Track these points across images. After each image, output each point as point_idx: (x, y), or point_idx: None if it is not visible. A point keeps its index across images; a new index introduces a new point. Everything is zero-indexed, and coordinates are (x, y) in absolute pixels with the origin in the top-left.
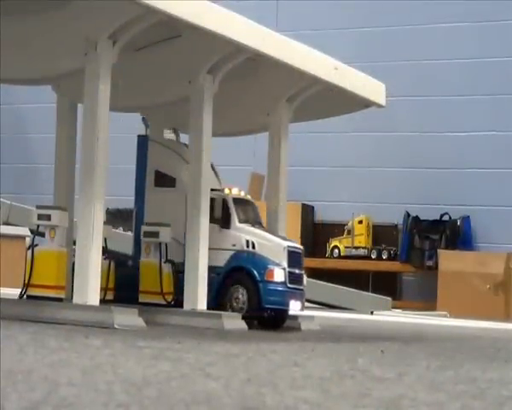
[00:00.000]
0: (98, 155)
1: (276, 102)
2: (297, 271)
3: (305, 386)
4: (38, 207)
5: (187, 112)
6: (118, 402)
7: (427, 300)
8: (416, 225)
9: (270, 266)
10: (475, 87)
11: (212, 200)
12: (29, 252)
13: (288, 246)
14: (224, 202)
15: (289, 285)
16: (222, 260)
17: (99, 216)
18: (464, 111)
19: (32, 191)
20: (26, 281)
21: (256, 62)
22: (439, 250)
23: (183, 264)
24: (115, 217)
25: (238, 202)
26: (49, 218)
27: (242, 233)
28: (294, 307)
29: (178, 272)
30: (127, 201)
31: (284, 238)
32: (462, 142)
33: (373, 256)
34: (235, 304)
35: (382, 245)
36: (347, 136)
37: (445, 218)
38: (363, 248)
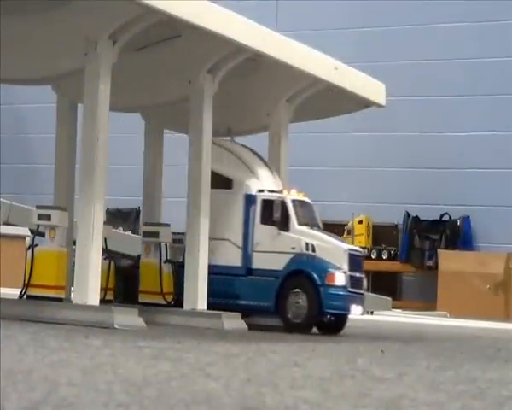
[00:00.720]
0: (98, 155)
1: (276, 102)
2: (357, 274)
3: (305, 386)
4: (38, 207)
5: (187, 112)
6: (118, 402)
7: (427, 300)
8: (416, 225)
9: (331, 270)
10: (475, 87)
11: (271, 202)
12: (29, 252)
13: (349, 249)
14: (283, 204)
15: (350, 289)
16: (281, 263)
17: (99, 216)
18: (464, 111)
19: (32, 191)
20: (26, 281)
21: (256, 62)
22: (439, 250)
23: (239, 268)
24: (115, 217)
25: (297, 203)
26: (49, 218)
27: (302, 236)
28: (355, 311)
29: (231, 275)
30: (127, 201)
31: (345, 241)
32: (462, 142)
33: (373, 256)
34: (294, 309)
35: (382, 245)
36: (347, 136)
37: (445, 218)
38: (363, 248)
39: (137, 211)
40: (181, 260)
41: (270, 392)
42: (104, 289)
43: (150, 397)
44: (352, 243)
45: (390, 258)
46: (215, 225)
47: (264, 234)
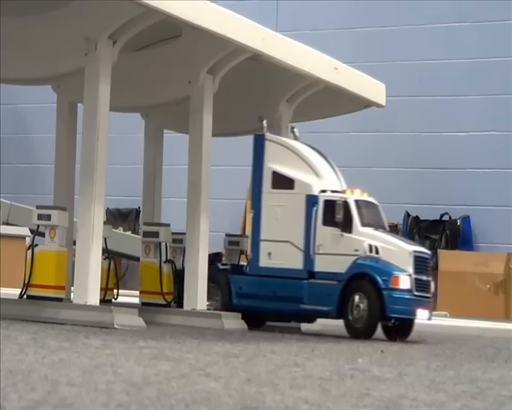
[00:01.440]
0: (98, 155)
1: (276, 102)
2: (424, 277)
3: (305, 386)
4: (38, 207)
5: (187, 112)
6: (118, 402)
7: None
8: (416, 225)
9: (395, 273)
10: (475, 87)
11: (333, 203)
12: (29, 252)
13: (415, 251)
14: (345, 205)
15: (416, 293)
16: (343, 266)
17: (99, 216)
18: (464, 111)
19: (32, 191)
20: (26, 281)
21: (256, 62)
22: (439, 250)
23: (301, 271)
24: (115, 217)
25: (361, 204)
26: (49, 218)
27: (365, 237)
28: (421, 315)
29: (292, 278)
30: (127, 201)
31: (410, 243)
32: (462, 142)
33: None
34: (356, 313)
35: None
36: (347, 136)
37: (445, 218)
38: None
39: (137, 211)
40: (181, 260)
41: (270, 392)
42: (104, 289)
43: (150, 397)
44: None
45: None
46: (276, 226)
47: (326, 236)
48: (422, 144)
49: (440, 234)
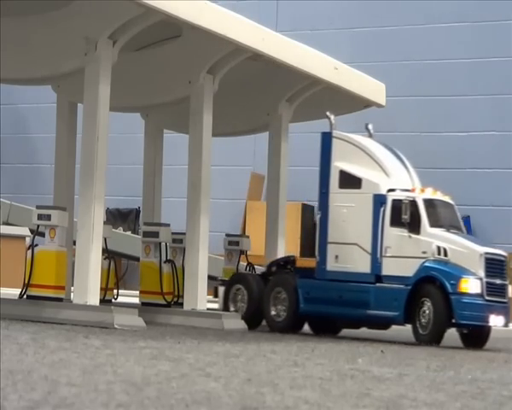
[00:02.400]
0: (98, 155)
1: (276, 102)
2: (498, 281)
3: (305, 386)
4: (38, 207)
5: (187, 112)
6: (118, 402)
7: None
8: None
9: (464, 276)
10: (475, 87)
11: (399, 202)
12: (29, 252)
13: (486, 253)
14: (413, 204)
15: (487, 298)
16: (411, 269)
17: (99, 216)
18: (464, 111)
19: (32, 191)
20: (26, 281)
21: (256, 62)
22: None
23: (368, 274)
24: (115, 217)
25: (431, 203)
26: (49, 218)
27: (434, 239)
28: (496, 322)
29: (359, 282)
30: (127, 201)
31: (483, 244)
32: (462, 142)
33: None
34: (422, 320)
35: None
36: None
37: None
38: None
39: (137, 211)
40: (181, 260)
41: (270, 392)
42: (104, 289)
43: (150, 397)
44: None
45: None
46: (343, 228)
47: (393, 238)
48: (422, 144)
49: None
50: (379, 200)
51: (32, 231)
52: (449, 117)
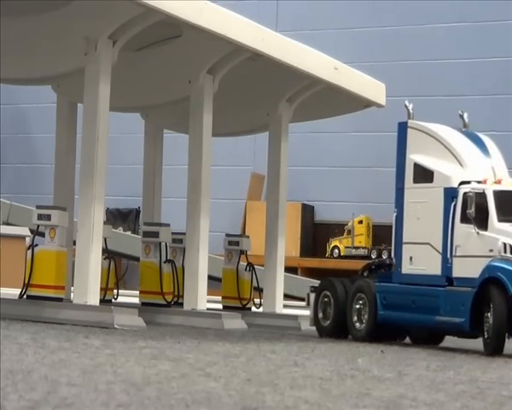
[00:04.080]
0: (98, 155)
1: (276, 102)
2: None
3: (305, 386)
4: (38, 207)
5: (187, 112)
6: (118, 402)
7: None
8: None
9: None
10: (475, 87)
11: (465, 195)
12: (29, 252)
13: None
14: (481, 197)
15: None
16: (477, 270)
17: (99, 216)
18: (464, 111)
19: (32, 191)
20: (26, 281)
21: (256, 62)
22: None
23: (438, 277)
24: (115, 217)
25: (504, 196)
26: (49, 218)
27: (501, 235)
28: None
29: (430, 285)
30: (127, 201)
31: None
32: None
33: (373, 256)
34: (486, 324)
35: (382, 245)
36: (347, 136)
37: None
38: (363, 248)
39: (137, 211)
40: (181, 260)
41: (270, 392)
42: (104, 289)
43: (150, 397)
44: (352, 243)
45: (390, 258)
46: (417, 227)
47: (463, 235)
48: None
49: None
50: (449, 194)
51: (32, 231)
52: (449, 117)
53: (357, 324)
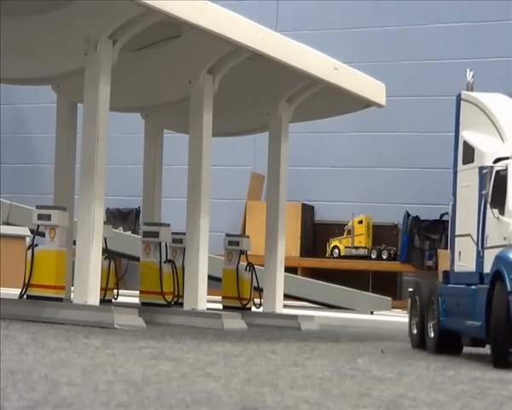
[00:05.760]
0: (98, 155)
1: (276, 102)
2: None
3: (305, 386)
4: (38, 207)
5: (187, 112)
6: (118, 402)
7: None
8: (416, 225)
9: None
10: (475, 87)
11: (481, 172)
12: (29, 252)
13: None
14: (498, 175)
15: None
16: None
17: (99, 216)
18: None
19: (32, 191)
20: (26, 281)
21: (256, 62)
22: (438, 250)
23: (472, 274)
24: (115, 217)
25: None
26: (49, 218)
27: None
28: None
29: (466, 284)
30: (127, 201)
31: None
32: None
33: (373, 256)
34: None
35: (382, 245)
36: (347, 136)
37: (445, 218)
38: (363, 248)
39: (137, 211)
40: (181, 260)
41: (270, 392)
42: (104, 290)
43: (150, 397)
44: (352, 243)
45: (390, 258)
46: (464, 215)
47: (491, 222)
48: (422, 144)
49: (440, 234)
50: (483, 174)
51: (32, 231)
52: (449, 117)
53: (431, 332)
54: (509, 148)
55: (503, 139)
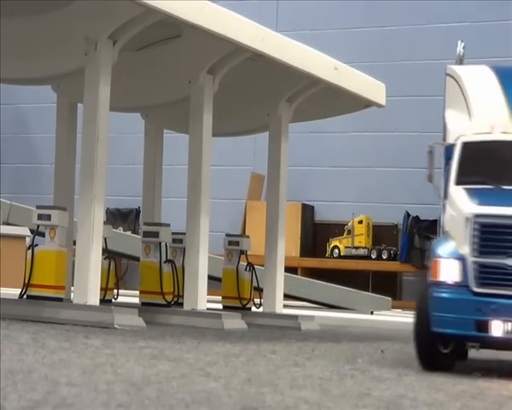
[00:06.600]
0: (98, 155)
1: (276, 102)
2: (505, 261)
3: (305, 386)
4: (38, 207)
5: (187, 112)
6: (118, 402)
7: None
8: (416, 225)
9: (437, 256)
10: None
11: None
12: (29, 252)
13: (479, 215)
14: (449, 153)
15: (478, 290)
16: None
17: (99, 216)
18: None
19: (32, 191)
20: (26, 281)
21: (256, 62)
22: None
23: None
24: (115, 217)
25: (479, 149)
26: (49, 218)
27: (448, 205)
28: (500, 331)
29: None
30: (127, 201)
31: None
32: None
33: (373, 256)
34: None
35: (382, 245)
36: (347, 136)
37: None
38: (363, 248)
39: (137, 211)
40: (181, 260)
41: (270, 392)
42: (104, 290)
43: (150, 397)
44: (352, 243)
45: (390, 258)
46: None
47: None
48: (422, 144)
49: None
50: (445, 155)
51: (32, 231)
52: None
53: None
54: (475, 125)
55: (470, 115)
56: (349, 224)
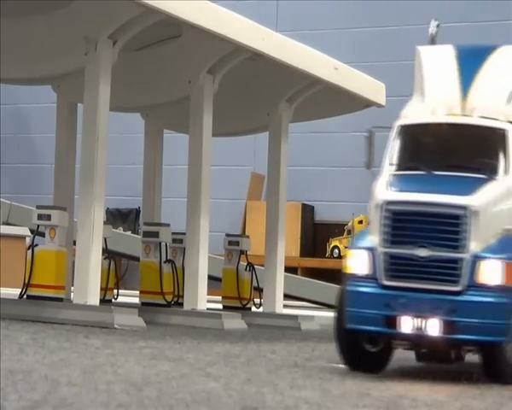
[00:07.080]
0: (98, 155)
1: (276, 102)
2: (415, 251)
3: (305, 386)
4: (38, 207)
5: (187, 112)
6: (118, 402)
7: None
8: None
9: (353, 247)
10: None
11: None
12: (29, 252)
13: (391, 202)
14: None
15: (387, 282)
16: None
17: (99, 216)
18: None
19: (32, 191)
20: (26, 281)
21: (256, 62)
22: None
23: None
24: (115, 217)
25: (416, 132)
26: (49, 218)
27: (375, 190)
28: (409, 327)
29: None
30: (127, 201)
31: (430, 189)
32: None
33: None
34: None
35: None
36: (347, 136)
37: None
38: None
39: (137, 211)
40: (181, 260)
41: (270, 392)
42: (104, 290)
43: (150, 397)
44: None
45: None
46: None
47: None
48: None
49: None
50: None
51: (32, 231)
52: None
53: None
54: (426, 107)
55: (423, 97)
56: (349, 224)
